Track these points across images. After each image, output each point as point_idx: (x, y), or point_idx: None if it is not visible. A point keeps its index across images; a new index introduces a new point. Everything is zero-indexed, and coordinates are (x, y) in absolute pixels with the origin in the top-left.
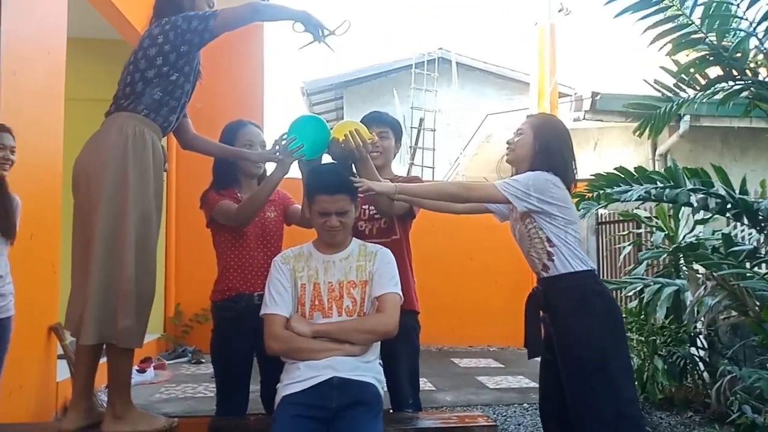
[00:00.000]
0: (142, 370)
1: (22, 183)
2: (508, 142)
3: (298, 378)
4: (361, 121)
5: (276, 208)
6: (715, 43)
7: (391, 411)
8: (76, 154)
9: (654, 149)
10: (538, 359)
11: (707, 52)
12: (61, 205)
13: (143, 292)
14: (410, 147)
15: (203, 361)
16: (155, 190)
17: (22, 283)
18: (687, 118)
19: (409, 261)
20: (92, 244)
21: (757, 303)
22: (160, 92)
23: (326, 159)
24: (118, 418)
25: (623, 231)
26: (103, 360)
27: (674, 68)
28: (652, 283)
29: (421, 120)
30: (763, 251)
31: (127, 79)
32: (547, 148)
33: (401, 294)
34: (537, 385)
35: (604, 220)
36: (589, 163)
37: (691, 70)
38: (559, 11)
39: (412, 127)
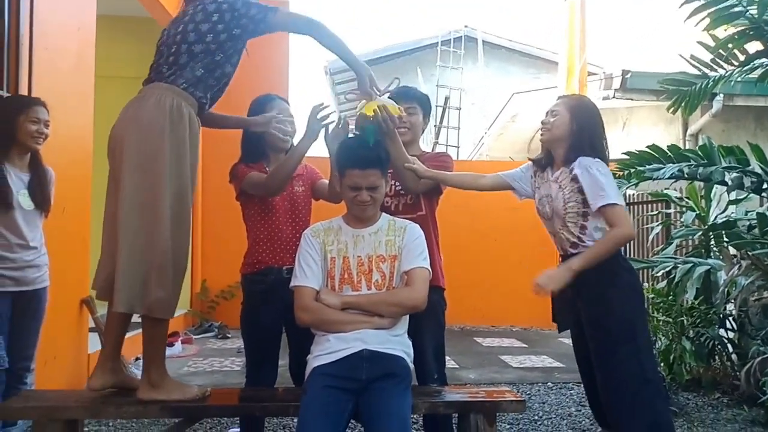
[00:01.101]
0: (169, 344)
1: (54, 157)
2: (543, 122)
3: (328, 350)
4: (389, 97)
5: (304, 182)
6: (756, 16)
7: (415, 384)
8: (107, 131)
9: (685, 129)
10: (565, 340)
11: (747, 26)
12: (91, 179)
13: (177, 264)
14: (435, 126)
15: (229, 336)
16: (191, 164)
17: (55, 256)
18: (720, 97)
19: (435, 237)
20: (120, 213)
21: None
22: (202, 69)
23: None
24: (153, 387)
25: (653, 211)
26: (138, 331)
27: (712, 43)
28: (683, 263)
29: (447, 98)
30: None
31: (172, 48)
32: (583, 130)
33: (430, 269)
34: (561, 365)
35: (633, 200)
36: (617, 142)
37: (730, 45)
38: None
39: (437, 106)
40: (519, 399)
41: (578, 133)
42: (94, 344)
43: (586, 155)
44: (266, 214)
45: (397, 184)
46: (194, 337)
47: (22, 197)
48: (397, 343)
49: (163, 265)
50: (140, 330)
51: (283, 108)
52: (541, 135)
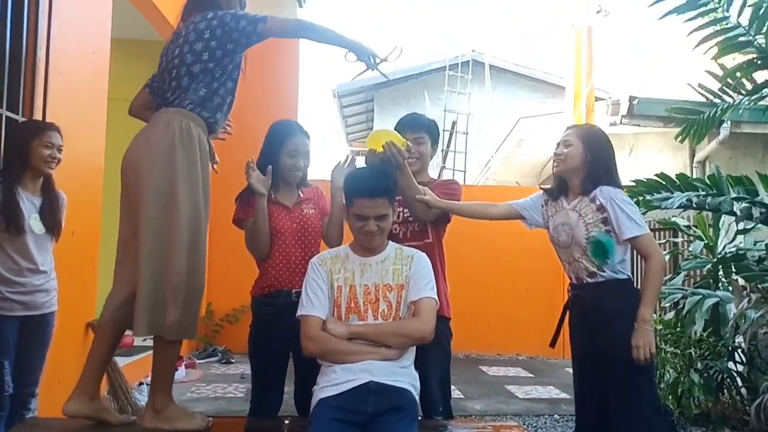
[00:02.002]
0: None
1: (65, 180)
2: (556, 153)
3: (334, 381)
4: (397, 125)
5: (314, 205)
6: (764, 45)
7: (420, 417)
8: (119, 153)
9: (692, 156)
10: (568, 369)
11: (755, 56)
12: (101, 203)
13: (193, 285)
14: (441, 150)
15: (233, 360)
16: (203, 184)
17: (63, 279)
18: (727, 124)
19: (441, 266)
20: (141, 238)
21: None
22: (205, 88)
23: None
24: (158, 413)
25: (660, 240)
26: (140, 356)
27: (720, 72)
28: (691, 294)
29: (454, 123)
30: None
31: (173, 73)
32: (598, 159)
33: (437, 299)
34: (567, 396)
35: None
36: (624, 168)
37: (738, 74)
38: (598, 12)
39: (444, 130)
40: None
41: (593, 163)
42: None
43: (603, 183)
44: (275, 237)
45: (406, 211)
46: (198, 361)
47: (33, 221)
48: (404, 375)
49: (177, 287)
50: (143, 355)
51: (302, 144)
52: (556, 166)
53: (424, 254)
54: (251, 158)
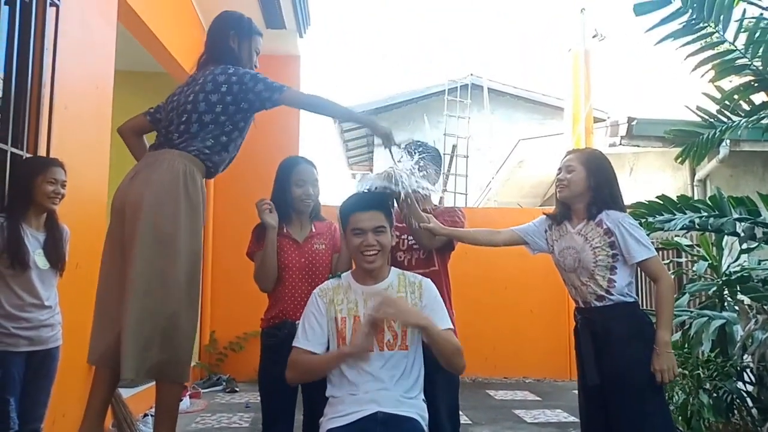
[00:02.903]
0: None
1: (69, 213)
2: (559, 179)
3: (341, 412)
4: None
5: (325, 240)
6: (761, 68)
7: None
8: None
9: (692, 175)
10: (576, 392)
11: (752, 78)
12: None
13: (186, 329)
14: (443, 174)
15: (237, 389)
16: (202, 229)
17: (67, 312)
18: (726, 143)
19: (448, 292)
20: (132, 277)
21: None
22: (212, 140)
23: None
24: None
25: (664, 260)
26: (144, 388)
27: (717, 95)
28: (697, 316)
29: (454, 147)
30: None
31: (183, 117)
32: (602, 183)
33: (453, 327)
34: (575, 420)
35: None
36: (624, 188)
37: (735, 96)
38: (594, 37)
39: (444, 154)
40: None
41: (597, 188)
42: None
43: (608, 207)
44: (282, 270)
45: (410, 238)
46: (202, 390)
47: (38, 257)
48: (412, 405)
49: (167, 329)
50: (147, 385)
51: (308, 172)
52: (560, 191)
53: (429, 281)
54: (264, 198)
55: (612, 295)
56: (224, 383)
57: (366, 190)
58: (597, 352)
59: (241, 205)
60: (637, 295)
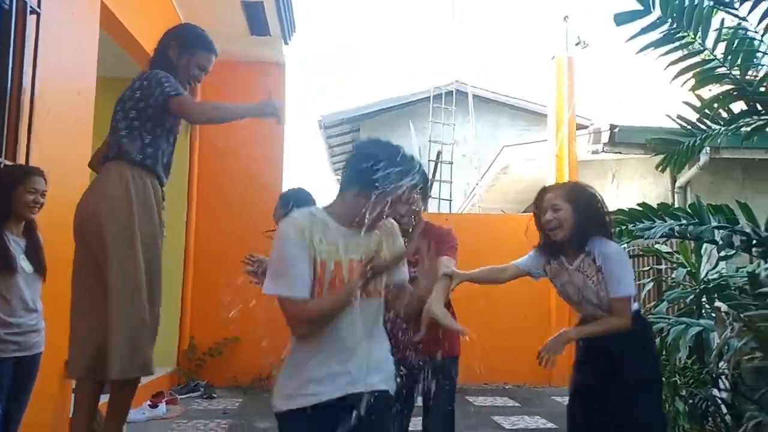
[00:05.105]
0: (154, 405)
1: (50, 218)
2: (548, 220)
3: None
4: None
5: None
6: (739, 77)
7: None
8: None
9: (673, 181)
10: (557, 398)
11: (731, 87)
12: None
13: (154, 321)
14: (427, 180)
15: (215, 396)
16: (159, 219)
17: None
18: (707, 150)
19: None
20: (111, 286)
21: None
22: (149, 136)
23: None
24: None
25: (644, 266)
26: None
27: (697, 103)
28: (675, 323)
29: (439, 153)
30: None
31: (121, 124)
32: (590, 218)
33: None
34: (555, 426)
35: None
36: (607, 195)
37: (715, 105)
38: (577, 44)
39: (429, 160)
40: None
41: (586, 222)
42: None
43: (596, 235)
44: None
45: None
46: (179, 397)
47: (23, 261)
48: (381, 367)
49: (144, 326)
50: None
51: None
52: (554, 234)
53: (397, 224)
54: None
55: None
56: (202, 389)
57: None
58: (596, 356)
59: (219, 213)
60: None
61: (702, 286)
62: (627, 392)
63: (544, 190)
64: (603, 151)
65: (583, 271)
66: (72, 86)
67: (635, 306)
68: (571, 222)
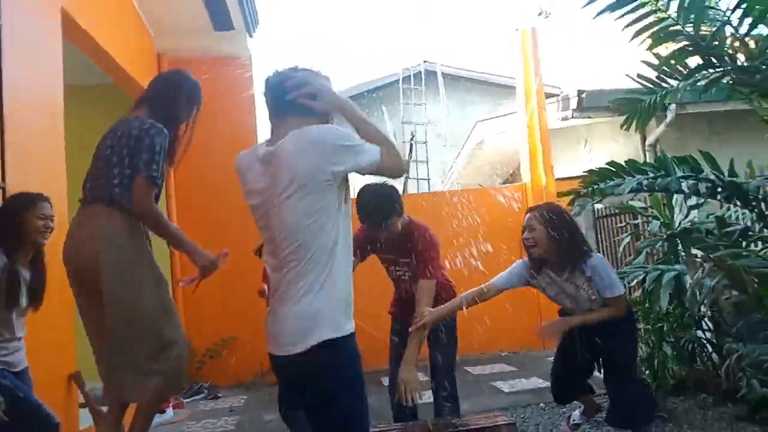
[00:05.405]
0: (161, 411)
1: None
2: (525, 238)
3: None
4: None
5: None
6: (693, 33)
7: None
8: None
9: (643, 140)
10: (548, 359)
11: (686, 43)
12: None
13: (173, 337)
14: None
15: (220, 395)
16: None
17: (39, 333)
18: (672, 107)
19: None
20: (110, 317)
21: (755, 280)
22: (128, 180)
23: None
24: None
25: (621, 223)
26: None
27: (655, 62)
28: (651, 270)
29: (413, 134)
30: (756, 228)
31: (107, 169)
32: (562, 236)
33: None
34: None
35: (601, 214)
36: (581, 160)
37: (672, 61)
38: (539, 15)
39: (403, 142)
40: (509, 422)
41: (562, 240)
42: (85, 419)
43: (577, 254)
44: None
45: (398, 269)
46: (185, 400)
47: (22, 296)
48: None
49: (161, 346)
50: None
51: None
52: (532, 251)
53: None
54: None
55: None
56: (206, 391)
57: None
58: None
59: (204, 216)
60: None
61: (669, 232)
62: (607, 334)
63: (528, 210)
64: (573, 117)
65: (573, 282)
66: (40, 99)
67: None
68: (545, 241)
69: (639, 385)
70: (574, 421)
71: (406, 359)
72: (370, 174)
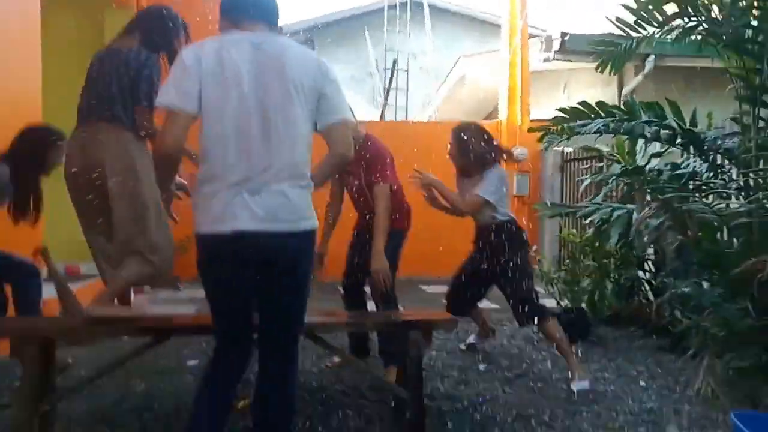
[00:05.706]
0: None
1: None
2: (448, 152)
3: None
4: None
5: None
6: None
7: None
8: (56, 97)
9: (620, 89)
10: None
11: None
12: None
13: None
14: (384, 89)
15: (181, 288)
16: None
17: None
18: (651, 58)
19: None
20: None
21: (697, 225)
22: (131, 104)
23: None
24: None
25: (585, 165)
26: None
27: (634, 6)
28: (603, 207)
29: (395, 61)
30: (704, 177)
31: (112, 89)
32: (470, 148)
33: None
34: (496, 306)
35: (569, 158)
36: (559, 104)
37: (650, 7)
38: None
39: (385, 69)
40: (452, 319)
41: (467, 153)
42: (48, 292)
43: (481, 164)
44: None
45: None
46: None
47: None
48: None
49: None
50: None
51: None
52: (452, 162)
53: None
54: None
55: (496, 219)
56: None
57: None
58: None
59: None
60: (561, 199)
61: (622, 169)
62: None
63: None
64: (554, 59)
65: (474, 185)
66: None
67: (507, 216)
68: (456, 154)
69: (528, 291)
70: (469, 341)
71: (374, 253)
72: None
